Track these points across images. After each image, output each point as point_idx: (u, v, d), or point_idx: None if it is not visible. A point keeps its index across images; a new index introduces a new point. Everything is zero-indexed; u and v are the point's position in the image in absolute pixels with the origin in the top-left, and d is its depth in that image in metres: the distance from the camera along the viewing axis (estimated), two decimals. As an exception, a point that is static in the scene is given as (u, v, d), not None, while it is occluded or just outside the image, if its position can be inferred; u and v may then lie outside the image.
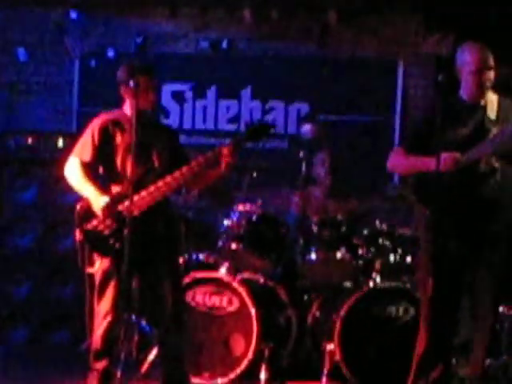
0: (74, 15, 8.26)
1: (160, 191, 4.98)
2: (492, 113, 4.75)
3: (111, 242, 4.90)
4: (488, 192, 4.68)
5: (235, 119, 8.28)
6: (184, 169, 5.00)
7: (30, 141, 7.07)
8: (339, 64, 8.22)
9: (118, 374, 4.81)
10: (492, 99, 4.80)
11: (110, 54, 8.27)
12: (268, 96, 8.26)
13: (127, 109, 5.13)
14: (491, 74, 4.74)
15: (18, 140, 7.08)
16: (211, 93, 8.32)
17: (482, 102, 4.78)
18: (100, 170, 5.15)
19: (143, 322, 6.08)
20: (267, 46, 8.29)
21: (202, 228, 6.83)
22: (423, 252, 4.95)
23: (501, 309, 5.71)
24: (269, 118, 8.00)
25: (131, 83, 4.89)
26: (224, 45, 8.27)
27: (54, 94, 8.46)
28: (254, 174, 6.52)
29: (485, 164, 4.65)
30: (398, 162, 5.01)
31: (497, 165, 4.66)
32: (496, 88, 4.86)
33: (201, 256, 6.43)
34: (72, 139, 6.70)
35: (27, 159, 7.02)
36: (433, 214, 4.73)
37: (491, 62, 4.73)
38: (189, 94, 8.35)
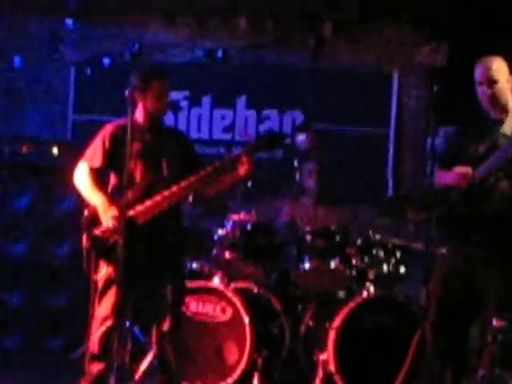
0: (69, 23, 8.28)
1: (165, 201, 4.98)
2: (509, 128, 4.61)
3: (117, 249, 4.88)
4: (495, 206, 4.57)
5: (230, 128, 8.29)
6: (191, 178, 5.00)
7: (24, 148, 7.05)
8: (334, 74, 8.25)
9: (112, 381, 4.81)
10: None
11: (106, 62, 8.28)
12: (263, 105, 8.28)
13: (139, 115, 5.10)
14: (497, 87, 4.57)
15: (13, 147, 7.06)
16: (206, 102, 8.34)
17: (502, 117, 4.64)
18: (111, 177, 5.14)
19: (136, 330, 6.09)
20: (262, 56, 8.33)
21: (196, 237, 6.82)
22: (437, 265, 4.91)
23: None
24: (263, 127, 8.04)
25: (130, 93, 4.91)
26: (219, 54, 8.29)
27: (49, 102, 8.48)
28: (249, 184, 6.53)
29: (493, 178, 4.55)
30: (436, 177, 4.95)
31: (502, 176, 4.54)
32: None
33: (194, 265, 6.43)
34: (67, 147, 6.73)
35: (21, 167, 7.00)
36: (440, 231, 4.74)
37: (496, 75, 4.57)
38: (184, 103, 8.36)
